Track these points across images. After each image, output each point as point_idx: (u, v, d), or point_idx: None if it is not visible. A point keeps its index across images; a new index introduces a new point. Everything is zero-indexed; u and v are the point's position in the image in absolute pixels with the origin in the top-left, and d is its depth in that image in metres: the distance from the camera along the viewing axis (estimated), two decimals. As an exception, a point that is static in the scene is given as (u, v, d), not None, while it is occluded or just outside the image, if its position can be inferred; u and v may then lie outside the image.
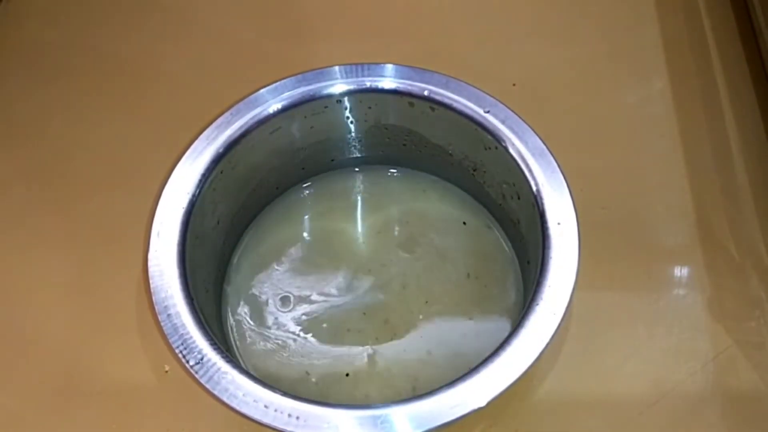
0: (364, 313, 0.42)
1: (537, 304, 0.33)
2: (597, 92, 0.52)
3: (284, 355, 0.41)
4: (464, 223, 0.45)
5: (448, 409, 0.31)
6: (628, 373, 0.41)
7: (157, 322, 0.34)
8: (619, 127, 0.50)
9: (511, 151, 0.38)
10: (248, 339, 0.41)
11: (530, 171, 0.37)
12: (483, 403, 0.31)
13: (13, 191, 0.49)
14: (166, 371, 0.42)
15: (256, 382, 0.32)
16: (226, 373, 0.32)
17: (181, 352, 0.33)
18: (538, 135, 0.38)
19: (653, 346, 0.41)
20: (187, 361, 0.33)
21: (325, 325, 0.41)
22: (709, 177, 0.47)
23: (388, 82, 0.41)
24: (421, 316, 0.42)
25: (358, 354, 0.41)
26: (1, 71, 0.55)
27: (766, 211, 0.46)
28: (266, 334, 0.41)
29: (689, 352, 0.41)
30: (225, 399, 0.32)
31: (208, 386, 0.32)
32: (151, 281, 0.35)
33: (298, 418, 0.31)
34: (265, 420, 0.31)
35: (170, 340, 0.33)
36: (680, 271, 0.44)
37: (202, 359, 0.33)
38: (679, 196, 0.46)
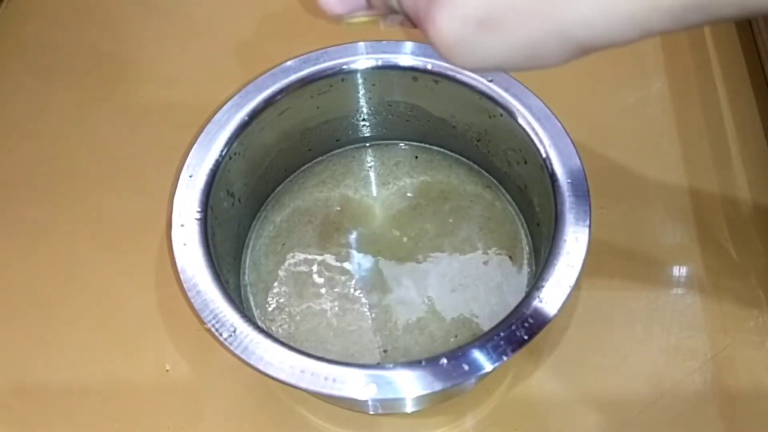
0: (378, 280, 0.43)
1: (555, 259, 0.34)
2: (596, 92, 0.52)
3: (303, 323, 0.42)
4: (471, 192, 0.46)
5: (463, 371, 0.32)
6: (626, 372, 0.41)
7: (187, 300, 0.35)
8: (618, 127, 0.50)
9: (517, 116, 0.39)
10: (267, 311, 0.42)
11: (537, 134, 0.39)
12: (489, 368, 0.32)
13: (17, 189, 0.50)
14: (167, 371, 0.42)
15: (289, 349, 0.33)
16: (259, 342, 0.33)
17: (213, 326, 0.34)
18: (541, 100, 0.39)
19: (652, 345, 0.42)
20: (221, 334, 0.33)
21: (342, 291, 0.43)
22: (708, 177, 0.48)
23: (391, 58, 0.42)
24: (433, 280, 0.43)
25: (372, 317, 0.42)
26: (3, 71, 0.55)
27: (764, 210, 0.46)
28: (283, 305, 0.42)
29: (688, 351, 0.41)
30: (261, 367, 0.32)
31: (243, 356, 0.33)
32: (177, 260, 0.36)
33: (334, 380, 0.32)
34: (302, 384, 0.32)
35: (201, 315, 0.34)
36: (679, 271, 0.44)
37: (234, 331, 0.34)
38: (678, 195, 0.47)
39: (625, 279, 0.44)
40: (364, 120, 0.46)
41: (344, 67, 0.42)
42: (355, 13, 0.27)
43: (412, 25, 0.25)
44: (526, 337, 0.32)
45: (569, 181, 0.37)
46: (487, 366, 0.32)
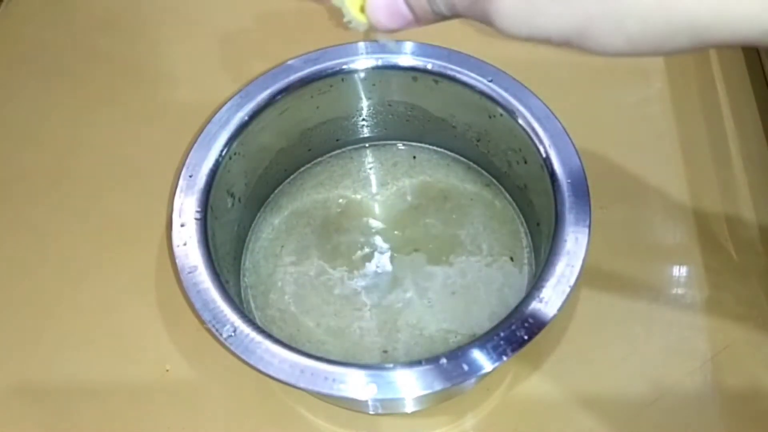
0: (377, 281, 0.43)
1: (555, 258, 0.34)
2: (596, 92, 0.52)
3: (303, 325, 0.42)
4: (471, 192, 0.46)
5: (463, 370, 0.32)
6: (626, 372, 0.41)
7: (187, 300, 0.35)
8: (618, 127, 0.50)
9: (517, 116, 0.39)
10: (267, 313, 0.42)
11: (537, 134, 0.39)
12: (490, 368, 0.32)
13: (17, 189, 0.50)
14: (167, 371, 0.42)
15: (289, 349, 0.33)
16: (259, 342, 0.33)
17: (213, 326, 0.34)
18: (541, 100, 0.39)
19: (652, 345, 0.42)
20: (221, 334, 0.33)
21: (342, 292, 0.43)
22: (708, 177, 0.48)
23: (391, 58, 0.42)
24: (433, 281, 0.43)
25: (372, 317, 0.42)
26: (2, 71, 0.55)
27: (764, 210, 0.46)
28: (283, 307, 0.42)
29: (687, 351, 0.41)
30: (261, 367, 0.32)
31: (243, 356, 0.33)
32: (177, 260, 0.36)
33: (334, 380, 0.32)
34: (302, 384, 0.32)
35: (201, 315, 0.34)
36: (679, 271, 0.44)
37: (234, 331, 0.34)
38: (678, 195, 0.47)
39: (625, 279, 0.44)
40: (363, 120, 0.46)
41: (344, 67, 0.42)
42: (405, 28, 0.27)
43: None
44: (526, 337, 0.33)
45: (569, 181, 0.37)
46: (487, 366, 0.32)
